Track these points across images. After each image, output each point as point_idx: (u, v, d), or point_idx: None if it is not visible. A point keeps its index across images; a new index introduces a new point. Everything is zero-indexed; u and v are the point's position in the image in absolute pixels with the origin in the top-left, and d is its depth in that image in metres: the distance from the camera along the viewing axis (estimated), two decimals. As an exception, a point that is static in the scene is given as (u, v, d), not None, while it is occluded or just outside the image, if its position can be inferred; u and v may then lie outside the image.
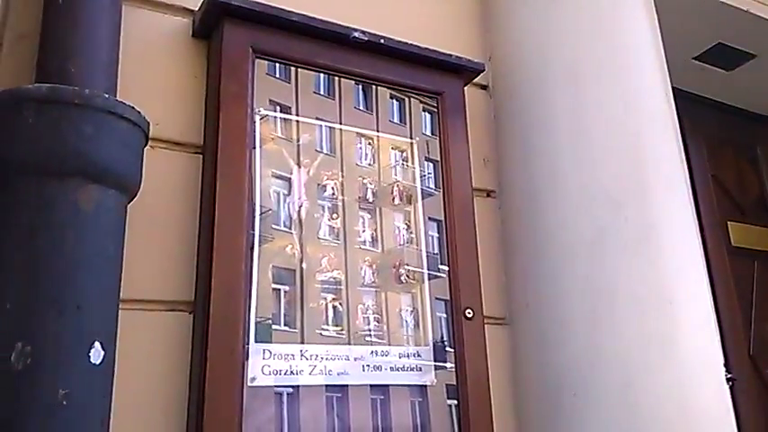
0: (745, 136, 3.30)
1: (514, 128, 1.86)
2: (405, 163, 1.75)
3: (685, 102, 3.03)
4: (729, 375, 2.57)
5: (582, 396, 1.51)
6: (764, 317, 2.95)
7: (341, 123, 1.69)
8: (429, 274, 1.64)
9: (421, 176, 1.74)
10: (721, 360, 1.85)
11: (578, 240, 1.61)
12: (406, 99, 1.80)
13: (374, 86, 1.76)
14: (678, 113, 2.27)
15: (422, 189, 1.73)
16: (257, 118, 1.57)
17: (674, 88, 2.34)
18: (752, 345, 2.84)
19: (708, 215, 2.94)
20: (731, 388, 2.63)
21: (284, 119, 1.63)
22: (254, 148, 1.53)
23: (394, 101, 1.79)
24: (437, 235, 1.70)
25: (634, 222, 1.60)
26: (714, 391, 1.58)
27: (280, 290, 1.48)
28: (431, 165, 1.77)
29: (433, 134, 1.79)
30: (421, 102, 1.81)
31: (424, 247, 1.68)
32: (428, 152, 1.78)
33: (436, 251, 1.68)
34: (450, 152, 1.73)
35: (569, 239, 1.63)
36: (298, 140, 1.63)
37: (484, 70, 1.85)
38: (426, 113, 1.81)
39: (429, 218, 1.71)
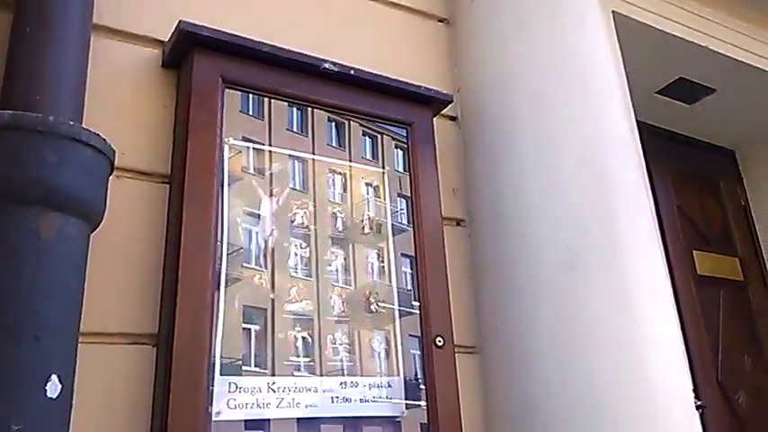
0: (707, 168, 3.39)
1: (483, 157, 1.89)
2: (377, 199, 1.75)
3: (650, 135, 3.10)
4: (699, 402, 2.59)
5: (552, 423, 1.50)
6: (731, 344, 2.99)
7: (313, 156, 1.69)
8: (401, 310, 1.62)
9: (393, 212, 1.74)
10: (690, 386, 1.86)
11: (547, 267, 1.63)
12: (379, 136, 1.81)
13: (347, 123, 1.77)
14: (643, 146, 2.33)
15: (393, 225, 1.73)
16: (226, 148, 1.56)
17: (638, 121, 2.40)
18: (720, 372, 2.87)
19: (674, 244, 2.98)
20: (701, 415, 2.66)
21: (255, 149, 1.62)
22: (223, 177, 1.51)
23: (366, 138, 1.80)
24: (410, 271, 1.68)
25: (602, 249, 1.62)
26: (684, 418, 1.59)
27: (250, 329, 1.45)
28: (403, 201, 1.77)
29: (405, 171, 1.80)
30: (393, 139, 1.82)
31: (395, 283, 1.66)
32: (400, 188, 1.78)
33: (409, 287, 1.67)
34: (420, 181, 1.74)
35: (538, 266, 1.64)
36: (268, 170, 1.62)
37: (452, 101, 1.88)
38: (399, 150, 1.82)
39: (402, 254, 1.70)
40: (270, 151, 1.64)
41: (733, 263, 3.19)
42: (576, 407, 1.52)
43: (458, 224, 1.90)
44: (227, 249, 1.46)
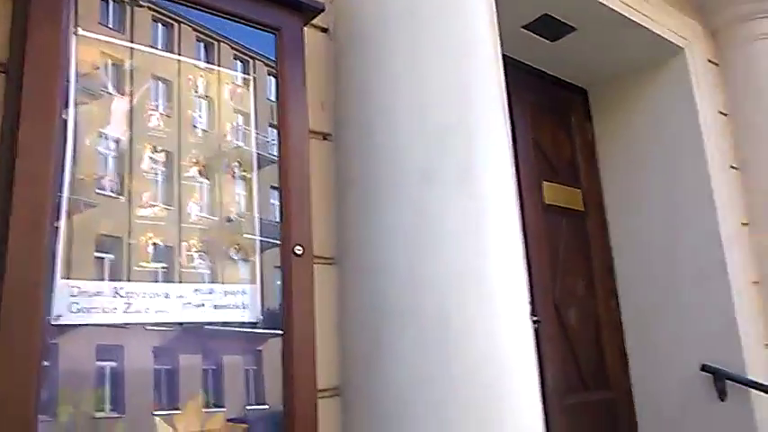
0: (562, 104, 3.60)
1: (353, 71, 1.87)
2: (246, 127, 1.68)
3: (513, 68, 3.22)
4: (535, 318, 2.85)
5: (402, 330, 1.57)
6: (568, 269, 3.29)
7: (179, 75, 1.58)
8: (263, 242, 1.59)
9: (263, 143, 1.67)
10: (528, 300, 2.02)
11: (407, 180, 1.66)
12: (251, 61, 1.73)
13: (216, 44, 1.66)
14: (506, 78, 2.41)
15: (260, 154, 1.66)
16: (74, 38, 1.42)
17: (503, 54, 2.48)
18: (556, 293, 3.16)
19: (526, 174, 3.18)
20: (537, 330, 2.93)
21: (109, 42, 1.48)
22: (70, 70, 1.38)
23: (238, 62, 1.71)
24: (277, 203, 1.64)
25: (458, 166, 1.68)
26: (520, 328, 1.72)
27: (103, 258, 1.37)
28: (274, 132, 1.70)
29: (277, 100, 1.71)
30: (266, 65, 1.74)
31: (257, 212, 1.61)
32: (272, 118, 1.72)
33: (277, 220, 1.62)
34: (287, 91, 1.69)
35: (399, 179, 1.68)
36: (124, 66, 1.50)
37: (323, 9, 1.82)
38: (272, 78, 1.74)
39: (271, 186, 1.66)
40: (131, 48, 1.52)
41: (576, 194, 3.47)
42: (425, 314, 1.59)
43: (324, 138, 1.88)
44: (75, 174, 1.34)
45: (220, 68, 1.66)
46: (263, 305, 1.55)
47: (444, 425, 1.53)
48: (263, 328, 1.54)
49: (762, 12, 3.43)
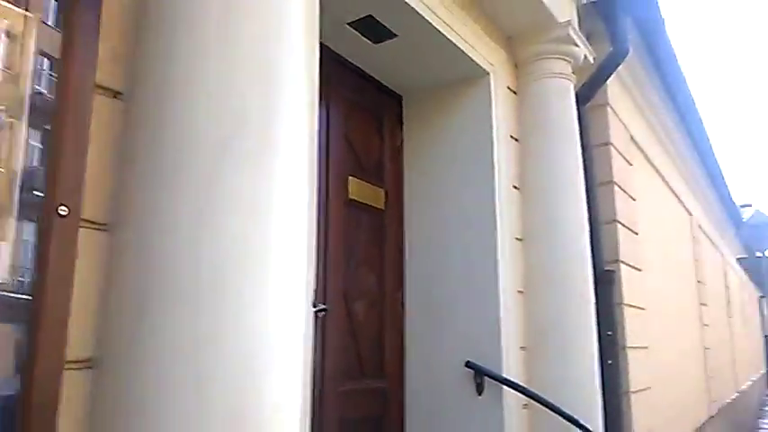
0: (377, 106, 3.74)
1: (157, 29, 1.75)
2: (41, 69, 1.53)
3: (335, 63, 3.30)
4: (323, 306, 2.94)
5: (173, 308, 1.51)
6: (362, 263, 3.43)
7: None
8: (24, 197, 1.45)
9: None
10: (311, 285, 2.07)
11: (202, 153, 1.59)
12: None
13: None
14: (328, 70, 2.44)
15: (34, 102, 1.52)
16: None
17: (326, 46, 2.50)
18: (347, 284, 3.27)
19: (334, 167, 3.26)
20: (324, 317, 3.02)
21: None
22: None
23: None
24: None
25: (256, 146, 1.64)
26: (297, 309, 1.74)
27: None
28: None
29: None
30: None
31: (20, 164, 1.47)
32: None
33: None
34: (76, 37, 1.56)
35: (193, 150, 1.60)
36: None
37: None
38: None
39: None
40: None
41: (379, 193, 3.63)
42: (201, 288, 1.53)
43: (115, 96, 1.75)
44: None
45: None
46: (19, 267, 1.43)
47: (204, 407, 1.50)
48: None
49: (552, 53, 3.84)
